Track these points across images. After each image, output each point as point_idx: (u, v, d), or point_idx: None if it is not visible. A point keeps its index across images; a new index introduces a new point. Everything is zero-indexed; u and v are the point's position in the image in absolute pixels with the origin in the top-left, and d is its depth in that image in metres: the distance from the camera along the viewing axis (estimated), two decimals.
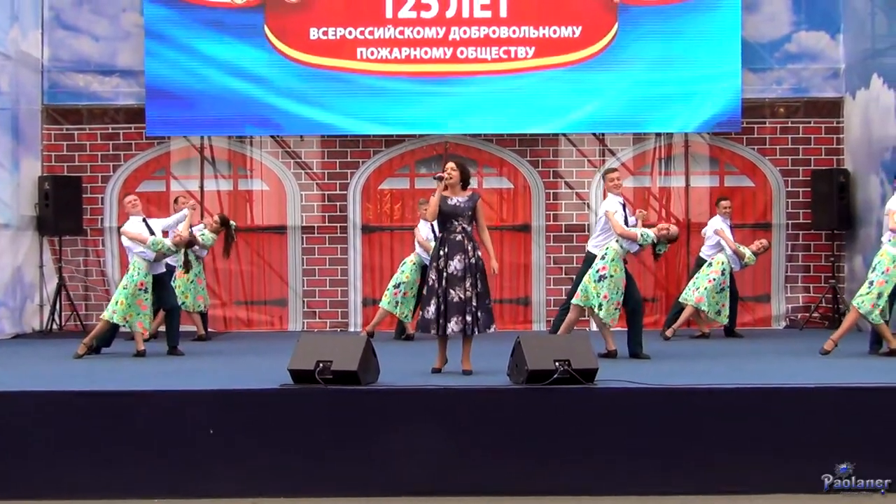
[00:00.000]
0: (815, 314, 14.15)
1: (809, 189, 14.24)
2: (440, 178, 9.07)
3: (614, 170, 11.13)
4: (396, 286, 12.81)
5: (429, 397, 7.95)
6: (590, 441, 7.72)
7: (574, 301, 10.45)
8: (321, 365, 7.84)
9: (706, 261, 12.86)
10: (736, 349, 11.53)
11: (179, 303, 11.80)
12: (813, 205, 14.19)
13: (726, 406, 7.79)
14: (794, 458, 7.64)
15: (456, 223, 9.03)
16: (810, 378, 8.50)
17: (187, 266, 11.60)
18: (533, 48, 14.31)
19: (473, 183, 14.23)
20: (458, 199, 9.06)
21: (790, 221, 14.48)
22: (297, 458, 7.72)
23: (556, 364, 7.82)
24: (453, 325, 8.88)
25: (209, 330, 13.61)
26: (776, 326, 14.48)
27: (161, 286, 11.11)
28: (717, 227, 12.80)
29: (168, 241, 10.96)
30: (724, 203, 13.13)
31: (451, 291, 8.88)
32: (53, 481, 7.64)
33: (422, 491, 7.63)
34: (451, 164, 9.18)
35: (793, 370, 9.31)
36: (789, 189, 14.52)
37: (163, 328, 11.69)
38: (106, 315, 10.70)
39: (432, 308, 8.96)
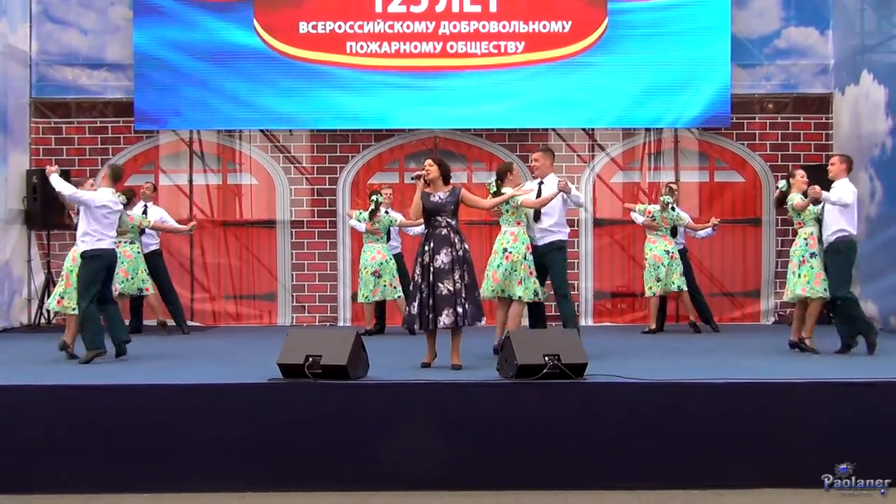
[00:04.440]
0: None
1: None
2: (418, 177, 9.07)
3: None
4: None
5: (418, 392, 7.94)
6: (579, 435, 7.72)
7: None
8: (310, 359, 7.83)
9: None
10: (725, 344, 11.53)
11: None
12: None
13: (717, 401, 7.79)
14: (791, 456, 7.65)
15: (440, 219, 9.02)
16: (805, 374, 8.49)
17: None
18: (523, 43, 14.30)
19: (463, 177, 14.33)
20: (439, 194, 9.05)
21: (779, 217, 14.46)
22: (285, 453, 7.69)
23: (546, 359, 7.83)
24: (444, 319, 8.84)
25: (195, 323, 13.73)
26: (765, 322, 14.51)
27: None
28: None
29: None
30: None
31: (440, 285, 8.85)
32: (40, 476, 7.61)
33: (411, 485, 7.62)
34: (428, 161, 9.18)
35: (785, 366, 9.30)
36: (779, 184, 14.51)
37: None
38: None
39: (416, 303, 8.95)
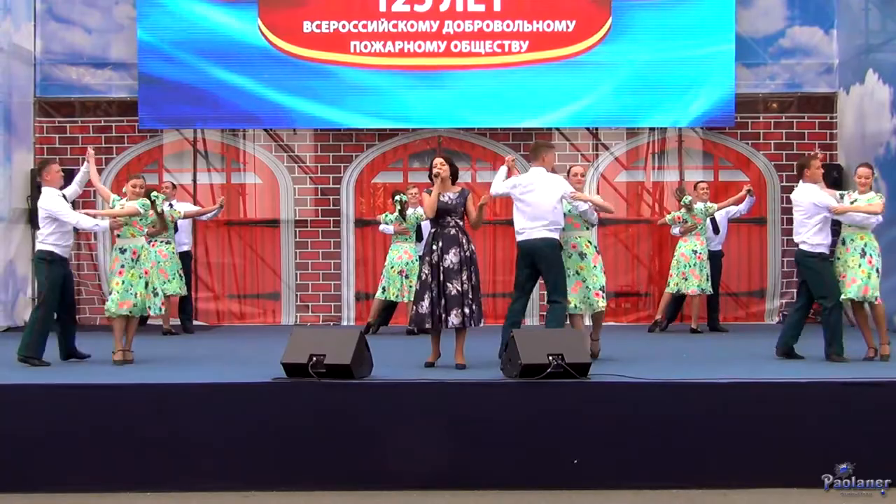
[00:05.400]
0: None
1: None
2: (437, 176, 9.00)
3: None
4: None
5: (422, 391, 7.94)
6: (583, 435, 7.71)
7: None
8: (314, 358, 7.83)
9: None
10: (729, 344, 11.52)
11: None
12: None
13: (720, 401, 7.79)
14: (792, 456, 7.65)
15: (449, 218, 9.01)
16: (806, 374, 8.48)
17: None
18: (527, 42, 14.29)
19: (467, 177, 14.31)
20: (449, 195, 9.03)
21: (784, 216, 14.46)
22: (289, 453, 7.69)
23: (550, 358, 7.82)
24: (454, 318, 8.81)
25: (199, 322, 13.72)
26: (769, 321, 14.48)
27: None
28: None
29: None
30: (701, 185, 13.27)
31: (449, 284, 8.83)
32: (43, 474, 7.61)
33: (414, 485, 7.62)
34: (439, 160, 9.16)
35: (786, 366, 9.27)
36: (783, 184, 14.51)
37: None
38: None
39: (426, 302, 8.89)
